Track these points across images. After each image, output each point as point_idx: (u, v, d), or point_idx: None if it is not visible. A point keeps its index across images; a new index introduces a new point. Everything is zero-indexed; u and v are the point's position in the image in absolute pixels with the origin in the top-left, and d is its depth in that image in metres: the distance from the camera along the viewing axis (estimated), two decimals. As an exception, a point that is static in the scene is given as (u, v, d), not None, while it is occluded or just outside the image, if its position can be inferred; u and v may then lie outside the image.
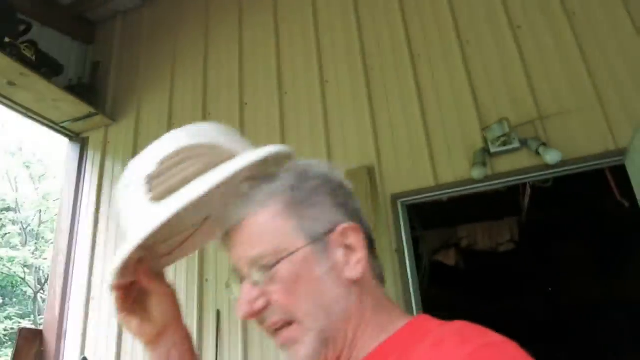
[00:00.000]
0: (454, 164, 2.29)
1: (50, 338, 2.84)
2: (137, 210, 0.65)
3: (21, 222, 21.69)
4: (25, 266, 20.50)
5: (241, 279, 0.71)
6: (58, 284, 2.92)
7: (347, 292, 0.67)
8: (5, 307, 20.77)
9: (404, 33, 2.63)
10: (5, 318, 19.12)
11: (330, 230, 0.68)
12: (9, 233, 20.61)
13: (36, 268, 20.67)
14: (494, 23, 2.46)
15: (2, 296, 22.56)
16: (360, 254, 0.69)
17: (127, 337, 2.68)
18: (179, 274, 2.67)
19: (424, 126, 2.41)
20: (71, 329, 2.85)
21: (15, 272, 20.28)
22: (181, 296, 2.58)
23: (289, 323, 0.67)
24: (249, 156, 0.65)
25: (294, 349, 0.67)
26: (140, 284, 0.75)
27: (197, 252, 2.63)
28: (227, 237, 0.70)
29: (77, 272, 2.98)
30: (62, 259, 3.03)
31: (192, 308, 2.56)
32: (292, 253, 0.67)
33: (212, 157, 0.65)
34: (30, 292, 21.32)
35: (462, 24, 2.53)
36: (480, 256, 4.21)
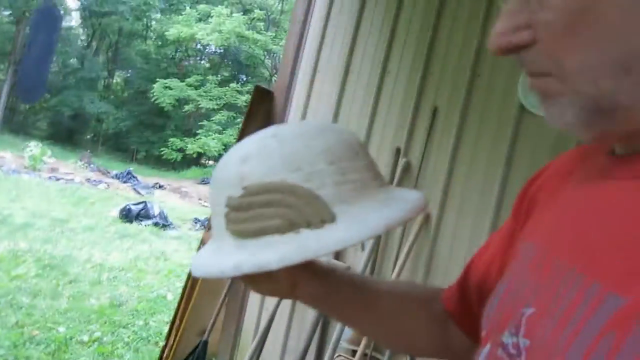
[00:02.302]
0: None
1: (278, 100, 3.08)
2: (216, 227, 0.56)
3: (265, 9, 23.66)
4: (265, 50, 22.96)
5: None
6: (291, 51, 3.05)
7: None
8: (247, 83, 24.08)
9: None
10: (247, 92, 22.25)
11: None
12: (255, 17, 22.70)
13: (274, 54, 23.01)
14: None
15: (245, 74, 26.03)
16: None
17: (344, 110, 2.76)
18: (402, 68, 2.54)
19: None
20: (296, 96, 3.04)
21: (257, 54, 22.90)
22: (399, 91, 2.54)
23: (547, 74, 0.44)
24: (333, 240, 0.49)
25: (547, 103, 0.45)
26: None
27: (426, 45, 2.44)
28: None
29: (307, 46, 3.06)
30: (296, 30, 3.12)
31: (410, 102, 2.46)
32: None
33: (300, 213, 0.50)
34: (266, 74, 24.14)
35: None
36: None
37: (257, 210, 0.51)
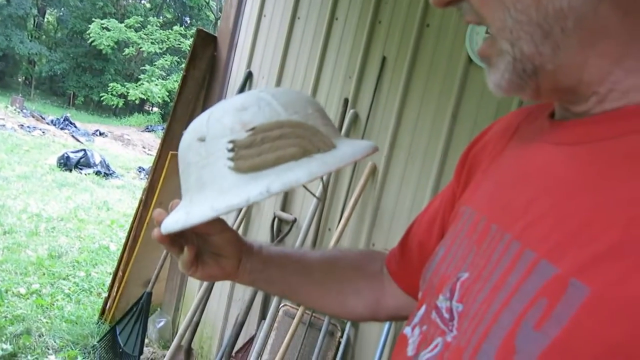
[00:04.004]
0: None
1: (222, 46, 2.95)
2: (214, 173, 0.57)
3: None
4: (210, -9, 21.89)
5: None
6: (235, -6, 2.90)
7: (589, 4, 0.39)
8: (191, 26, 23.05)
9: None
10: (191, 36, 21.29)
11: None
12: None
13: (219, -5, 21.97)
14: None
15: (189, 17, 24.87)
16: None
17: (290, 59, 2.68)
18: (351, 15, 2.47)
19: None
20: (241, 41, 2.91)
21: (201, -6, 21.80)
22: (348, 39, 2.48)
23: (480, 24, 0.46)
24: (346, 156, 0.57)
25: (488, 70, 0.47)
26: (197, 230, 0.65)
27: (375, -9, 2.37)
28: None
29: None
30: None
31: (358, 52, 2.41)
32: None
33: (310, 141, 0.57)
34: (212, 17, 23.15)
35: None
36: None
37: (272, 142, 0.56)
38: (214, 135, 0.58)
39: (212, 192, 0.57)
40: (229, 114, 0.58)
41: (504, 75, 0.44)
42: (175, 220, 0.58)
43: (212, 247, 0.68)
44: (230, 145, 0.56)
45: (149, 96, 20.08)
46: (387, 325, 2.04)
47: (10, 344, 2.87)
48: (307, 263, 0.76)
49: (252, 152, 0.55)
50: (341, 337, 2.31)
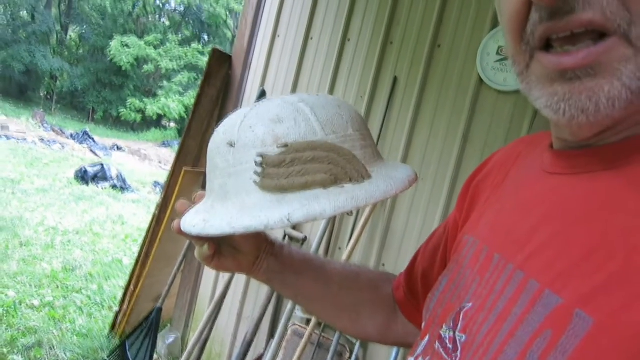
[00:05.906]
0: None
1: (237, 65, 2.99)
2: (238, 185, 0.55)
3: (229, -34, 22.74)
4: (227, 9, 22.25)
5: None
6: (250, 15, 2.95)
7: None
8: (209, 44, 23.39)
9: None
10: (209, 53, 21.56)
11: None
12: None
13: (236, 14, 22.33)
14: None
15: (207, 34, 25.26)
16: None
17: (303, 79, 2.71)
18: (363, 36, 2.50)
19: None
20: (255, 60, 2.95)
21: (219, 13, 22.16)
22: (360, 60, 2.50)
23: (602, 35, 0.37)
24: (378, 192, 0.53)
25: (592, 84, 0.37)
26: None
27: (387, 13, 2.39)
28: None
29: (266, 9, 2.96)
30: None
31: (369, 72, 2.43)
32: None
33: (343, 169, 0.54)
34: (229, 35, 23.50)
35: None
36: None
37: (302, 165, 0.53)
38: (244, 143, 0.55)
39: (233, 205, 0.55)
40: (263, 124, 0.55)
41: (622, 84, 0.36)
42: (194, 225, 0.57)
43: (230, 241, 0.68)
44: (259, 160, 0.53)
45: (166, 112, 20.34)
46: (395, 347, 2.02)
47: (22, 356, 2.90)
48: (326, 274, 0.75)
49: (280, 172, 0.53)
50: (349, 358, 2.29)
